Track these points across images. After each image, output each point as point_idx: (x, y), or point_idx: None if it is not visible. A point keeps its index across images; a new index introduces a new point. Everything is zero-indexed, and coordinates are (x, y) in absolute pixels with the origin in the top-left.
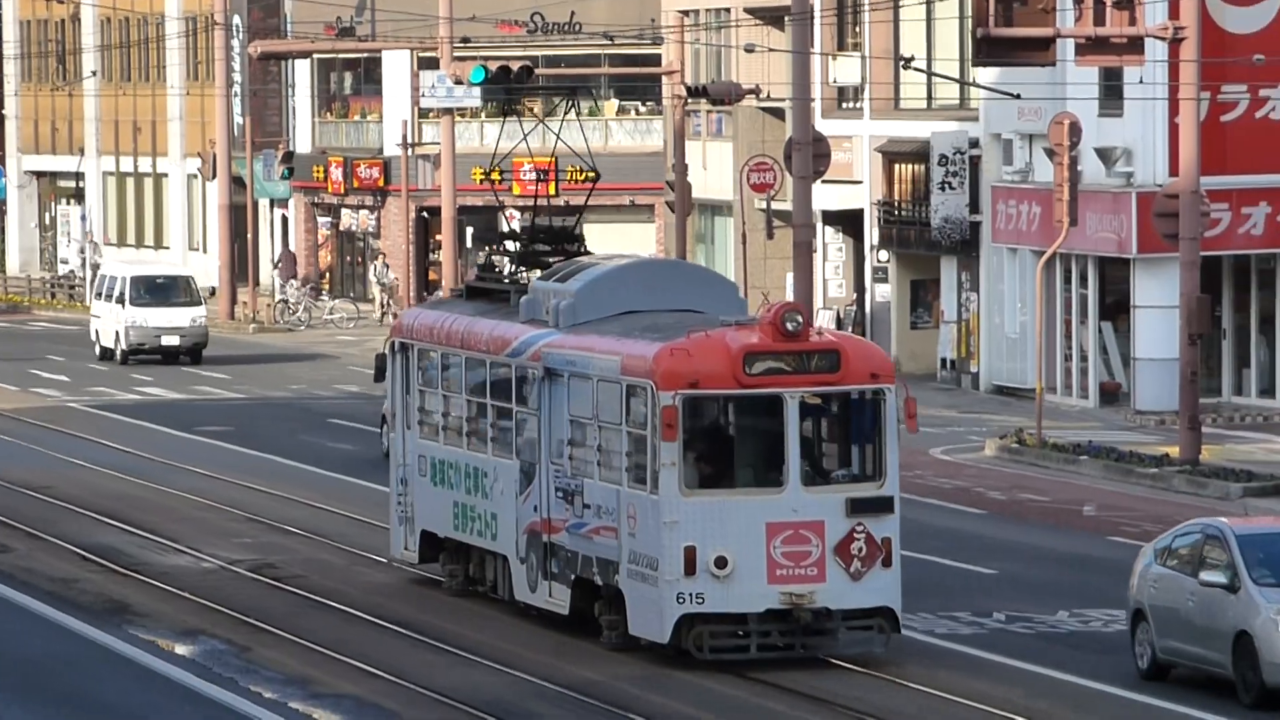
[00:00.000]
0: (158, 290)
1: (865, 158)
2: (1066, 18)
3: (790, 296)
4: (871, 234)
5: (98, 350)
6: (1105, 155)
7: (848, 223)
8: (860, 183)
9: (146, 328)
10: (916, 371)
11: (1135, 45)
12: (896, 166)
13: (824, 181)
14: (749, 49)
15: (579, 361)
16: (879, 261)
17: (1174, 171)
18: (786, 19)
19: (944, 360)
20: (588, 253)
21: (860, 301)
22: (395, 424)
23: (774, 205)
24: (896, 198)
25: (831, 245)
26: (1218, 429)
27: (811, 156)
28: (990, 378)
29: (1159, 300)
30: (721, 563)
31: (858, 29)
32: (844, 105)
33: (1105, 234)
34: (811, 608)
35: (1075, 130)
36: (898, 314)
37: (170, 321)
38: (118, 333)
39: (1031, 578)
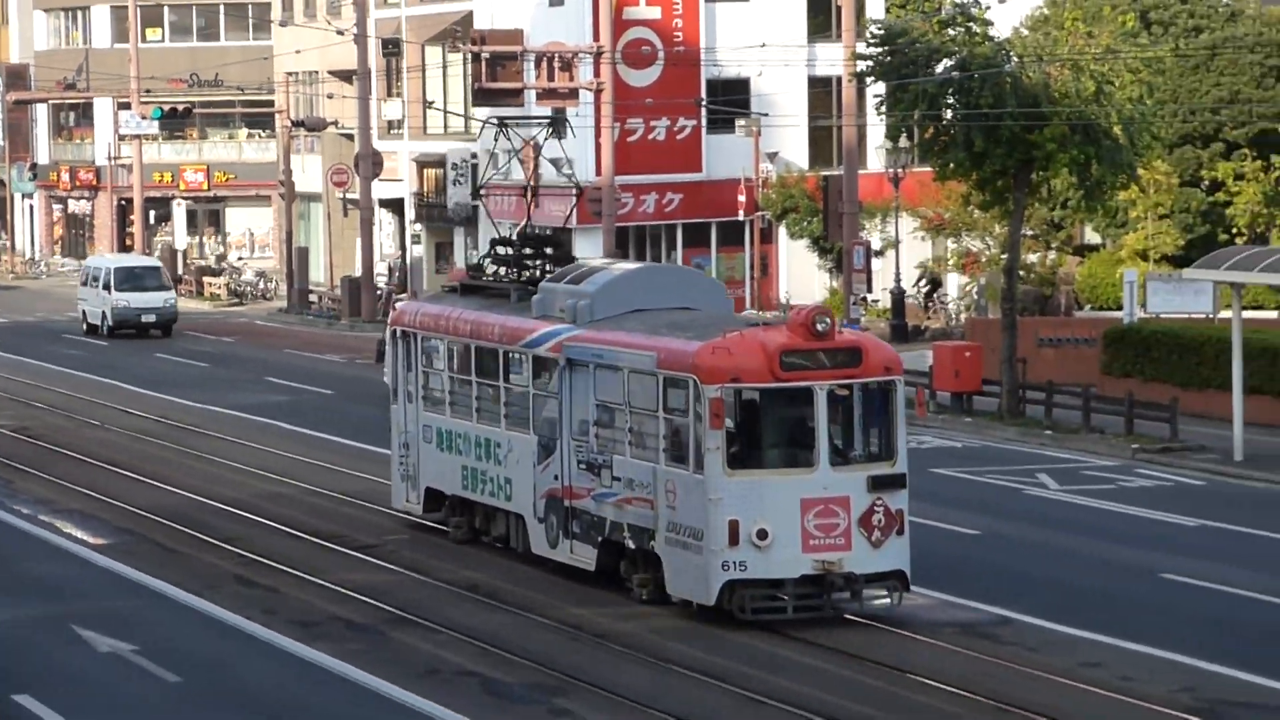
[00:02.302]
0: (137, 277)
1: (405, 165)
2: (531, 75)
3: (359, 256)
4: (409, 214)
5: (84, 327)
6: (556, 163)
7: (394, 207)
8: (402, 181)
9: (130, 308)
10: None
11: (573, 94)
12: (425, 170)
13: (380, 180)
14: (329, 96)
15: (606, 354)
16: (414, 232)
17: (599, 173)
18: (354, 77)
19: None
20: (573, 258)
21: (403, 257)
22: (397, 397)
23: (348, 196)
24: (425, 191)
25: (385, 221)
26: None
27: (371, 165)
28: None
29: (590, 254)
30: (762, 535)
31: (399, 83)
32: (391, 131)
33: (556, 212)
34: (840, 573)
35: (537, 148)
36: (427, 265)
37: (148, 303)
38: (104, 312)
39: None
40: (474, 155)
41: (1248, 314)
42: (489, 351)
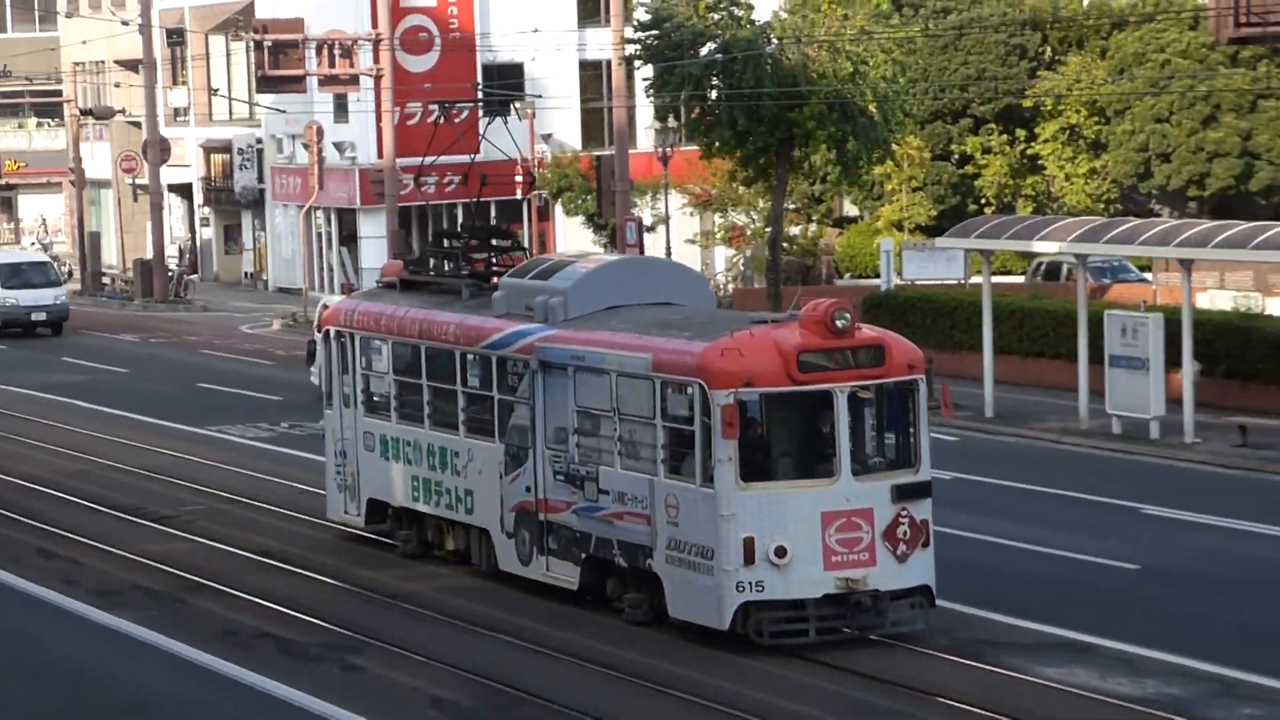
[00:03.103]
0: (22, 274)
1: (192, 151)
2: (313, 62)
3: (149, 239)
4: (198, 197)
5: None
6: (339, 146)
7: (183, 191)
8: (189, 166)
9: (19, 306)
10: (228, 280)
11: (354, 80)
12: (212, 156)
13: (168, 166)
14: (117, 85)
15: (588, 356)
16: (203, 215)
17: (380, 156)
18: (140, 66)
19: (246, 273)
20: (522, 249)
21: (193, 239)
22: (331, 402)
23: (137, 182)
24: (212, 175)
25: (174, 205)
26: None
27: (159, 152)
28: (275, 283)
29: (374, 233)
30: (781, 552)
31: (185, 71)
32: (178, 118)
33: (340, 194)
34: (865, 591)
35: (320, 132)
36: (216, 246)
37: (38, 300)
38: None
39: (312, 402)
40: (259, 140)
41: (996, 279)
42: (443, 353)
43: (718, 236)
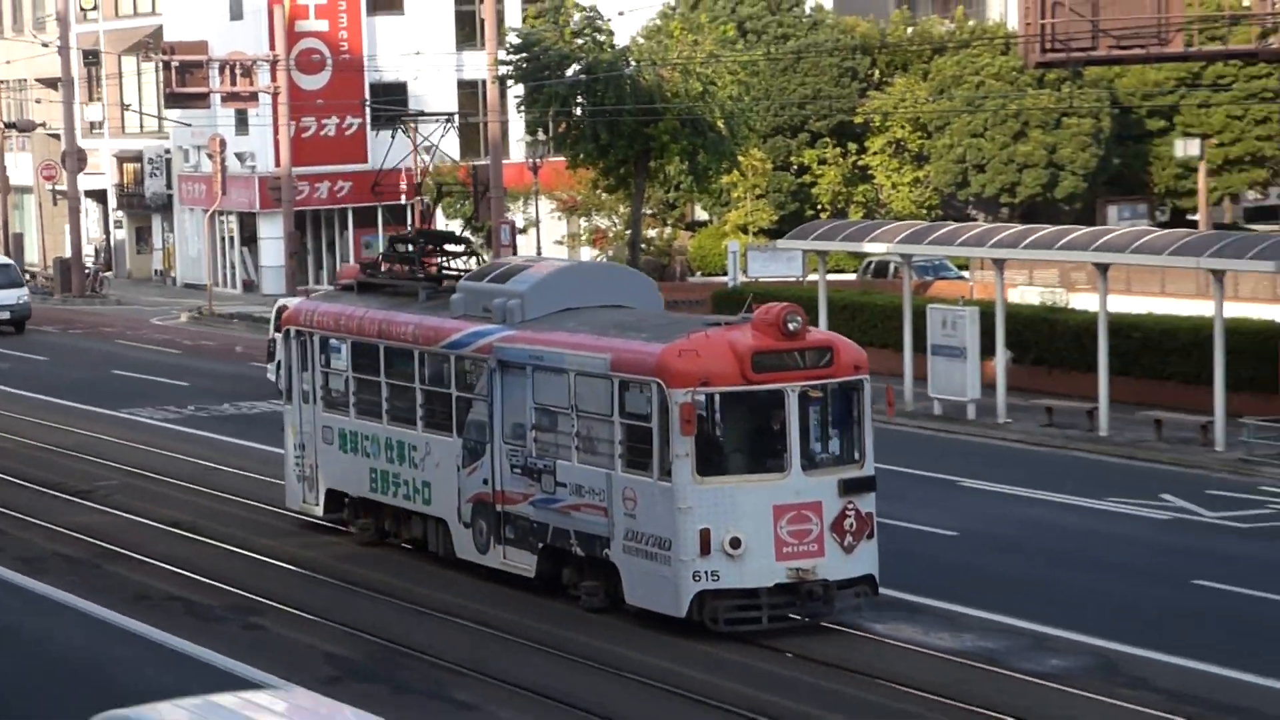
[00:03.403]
0: None
1: (107, 160)
2: (216, 81)
3: (68, 240)
4: (112, 202)
5: None
6: (240, 156)
7: (98, 197)
8: (104, 174)
9: None
10: (139, 277)
11: (254, 97)
12: (125, 164)
13: (84, 174)
14: (38, 101)
15: (547, 356)
16: (116, 218)
17: (277, 164)
18: (59, 84)
19: (156, 270)
20: (474, 253)
21: (107, 240)
22: (291, 398)
23: (57, 188)
24: (125, 182)
25: (90, 209)
26: None
27: (76, 161)
28: (183, 280)
29: (272, 234)
30: (735, 543)
31: (100, 88)
32: (94, 131)
33: (241, 199)
34: (814, 580)
35: (223, 144)
36: (129, 246)
37: (2, 300)
38: None
39: (217, 387)
40: (167, 151)
41: (831, 276)
42: (401, 352)
43: (583, 238)
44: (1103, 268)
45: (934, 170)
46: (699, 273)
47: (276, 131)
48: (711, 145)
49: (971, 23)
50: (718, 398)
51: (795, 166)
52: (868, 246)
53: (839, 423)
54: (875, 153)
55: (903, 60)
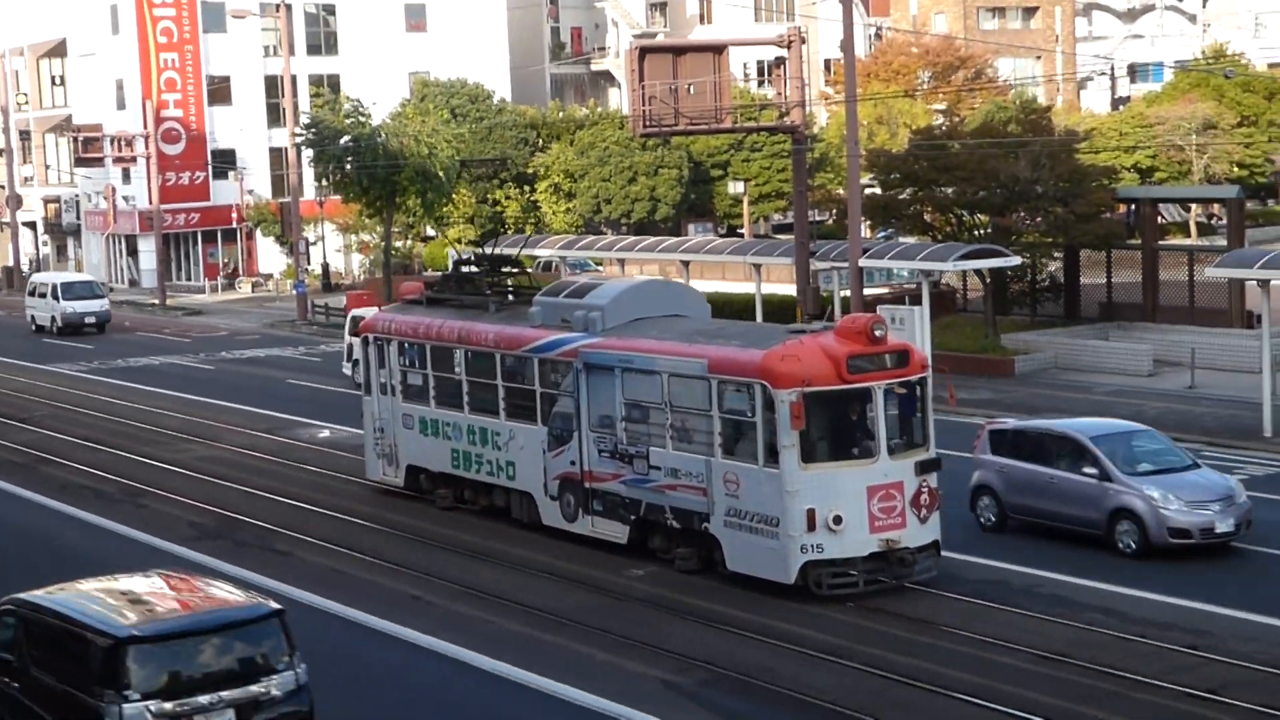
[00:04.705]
0: (75, 290)
1: (36, 202)
2: (108, 149)
3: (11, 254)
4: (40, 229)
5: (34, 328)
6: (126, 198)
7: (31, 226)
8: (35, 211)
9: (75, 312)
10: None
11: (134, 159)
12: (48, 204)
13: (21, 211)
14: None
15: (636, 360)
16: (44, 239)
17: (150, 203)
18: (2, 152)
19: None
20: (526, 273)
21: (38, 253)
22: (370, 391)
23: (2, 220)
24: (48, 215)
25: (25, 234)
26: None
27: (15, 202)
28: None
29: (148, 249)
30: (838, 520)
31: (31, 154)
32: (28, 182)
33: (127, 226)
34: (899, 548)
35: (113, 190)
36: (53, 257)
37: (89, 308)
38: (53, 316)
39: (107, 349)
40: (77, 195)
41: None
42: (483, 355)
43: (354, 248)
44: (686, 263)
45: (579, 203)
46: (429, 269)
47: (149, 181)
48: (435, 188)
49: (600, 109)
50: (818, 396)
51: (491, 200)
52: (539, 251)
53: (911, 413)
54: (542, 191)
55: (557, 133)
